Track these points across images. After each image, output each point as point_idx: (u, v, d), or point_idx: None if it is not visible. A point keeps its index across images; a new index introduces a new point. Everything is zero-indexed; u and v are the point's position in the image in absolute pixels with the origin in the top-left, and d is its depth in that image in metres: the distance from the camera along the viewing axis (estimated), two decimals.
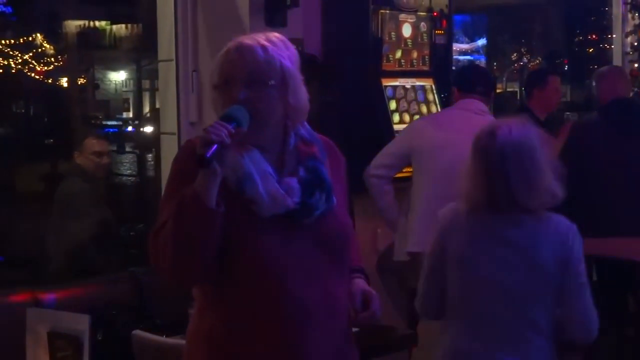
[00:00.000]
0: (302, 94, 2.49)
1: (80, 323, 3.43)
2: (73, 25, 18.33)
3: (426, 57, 5.65)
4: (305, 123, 2.55)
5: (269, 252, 2.39)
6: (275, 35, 2.51)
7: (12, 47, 19.55)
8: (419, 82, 5.61)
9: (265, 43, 2.44)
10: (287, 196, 2.39)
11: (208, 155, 2.23)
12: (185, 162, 2.44)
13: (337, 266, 2.51)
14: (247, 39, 2.46)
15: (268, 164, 2.43)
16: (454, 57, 6.33)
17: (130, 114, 27.40)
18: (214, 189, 2.28)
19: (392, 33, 5.44)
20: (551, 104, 6.50)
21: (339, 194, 2.55)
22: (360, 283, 2.63)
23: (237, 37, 2.49)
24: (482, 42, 9.46)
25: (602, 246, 4.98)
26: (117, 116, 25.15)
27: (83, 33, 18.77)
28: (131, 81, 26.95)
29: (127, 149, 18.03)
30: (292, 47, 2.52)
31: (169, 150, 5.25)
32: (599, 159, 5.47)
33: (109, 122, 22.92)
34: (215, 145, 2.23)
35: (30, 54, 19.61)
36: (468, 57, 8.80)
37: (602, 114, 5.67)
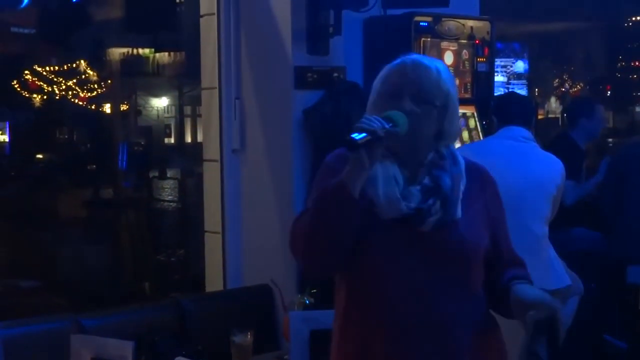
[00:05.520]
0: (456, 121, 2.59)
1: (124, 349, 3.45)
2: (117, 52, 18.49)
3: (468, 84, 5.64)
4: (450, 145, 2.61)
5: (375, 255, 2.42)
6: (442, 62, 2.62)
7: (56, 73, 19.78)
8: (461, 110, 5.56)
9: (439, 66, 2.55)
10: (403, 200, 2.42)
11: (357, 139, 2.27)
12: (333, 163, 2.52)
13: (451, 282, 2.46)
14: (423, 58, 2.56)
15: (400, 174, 2.47)
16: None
17: (172, 140, 27.55)
18: (359, 181, 2.33)
19: None
20: (596, 133, 6.47)
21: (476, 212, 2.54)
22: (517, 290, 2.46)
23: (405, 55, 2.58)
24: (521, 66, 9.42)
25: None
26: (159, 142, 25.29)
27: (126, 60, 18.92)
28: (173, 107, 27.10)
29: (168, 175, 18.11)
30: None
31: (211, 177, 5.28)
32: None
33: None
34: (366, 134, 2.29)
35: (74, 80, 19.82)
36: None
37: None
